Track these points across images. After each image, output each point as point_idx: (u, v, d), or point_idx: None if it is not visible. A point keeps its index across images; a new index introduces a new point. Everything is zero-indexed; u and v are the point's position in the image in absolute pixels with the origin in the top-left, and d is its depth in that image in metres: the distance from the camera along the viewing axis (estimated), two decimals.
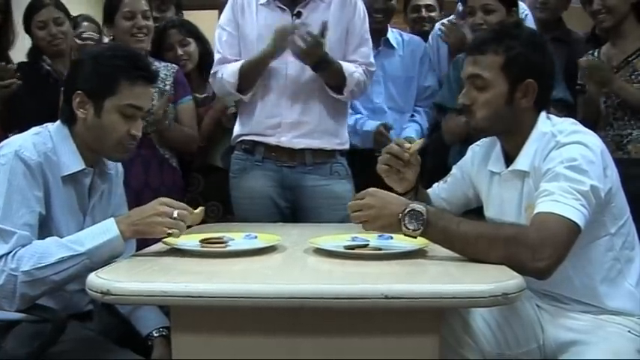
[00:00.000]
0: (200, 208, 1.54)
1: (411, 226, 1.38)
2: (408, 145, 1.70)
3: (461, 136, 2.37)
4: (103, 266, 1.43)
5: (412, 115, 2.73)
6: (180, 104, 2.52)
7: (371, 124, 2.59)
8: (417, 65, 2.73)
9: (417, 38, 2.86)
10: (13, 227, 1.44)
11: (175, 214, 1.47)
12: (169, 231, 1.46)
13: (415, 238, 1.41)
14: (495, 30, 1.67)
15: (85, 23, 3.08)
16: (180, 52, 2.70)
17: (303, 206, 2.31)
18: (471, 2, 2.37)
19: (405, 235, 1.40)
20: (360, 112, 2.67)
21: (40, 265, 1.41)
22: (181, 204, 1.51)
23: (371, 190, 1.46)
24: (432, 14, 3.12)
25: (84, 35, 3.00)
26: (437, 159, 2.47)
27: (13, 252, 1.42)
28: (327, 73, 2.23)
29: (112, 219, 1.49)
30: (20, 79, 2.38)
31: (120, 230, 1.46)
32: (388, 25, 2.78)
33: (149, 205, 1.50)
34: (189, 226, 1.52)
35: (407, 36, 2.83)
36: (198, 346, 1.22)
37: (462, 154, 1.91)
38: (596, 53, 2.47)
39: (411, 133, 2.61)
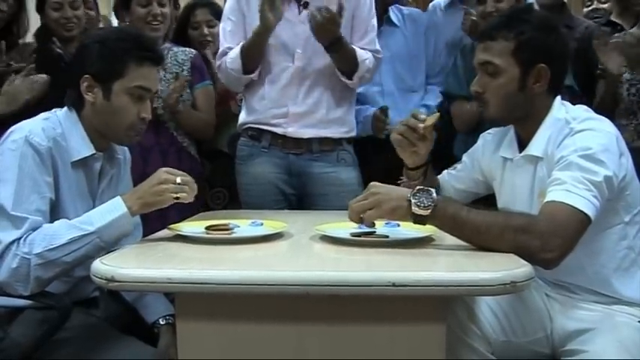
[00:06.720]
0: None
1: (420, 204, 1.35)
2: (423, 117, 1.68)
3: (470, 122, 2.35)
4: (114, 245, 1.46)
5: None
6: (197, 89, 2.51)
7: (370, 110, 2.50)
8: (422, 40, 2.60)
9: (415, 10, 2.74)
10: (26, 213, 1.45)
11: (179, 180, 1.48)
12: (176, 195, 1.47)
13: (424, 224, 1.38)
14: (506, 15, 1.65)
15: None
16: (206, 31, 2.69)
17: (310, 193, 2.30)
18: None
19: (415, 216, 1.36)
20: (366, 102, 2.58)
21: (51, 247, 1.42)
22: (183, 172, 1.51)
23: (373, 183, 1.44)
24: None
25: None
26: (442, 148, 2.44)
27: (25, 237, 1.43)
28: (341, 56, 2.19)
29: (118, 197, 1.50)
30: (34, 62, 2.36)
31: (127, 206, 1.47)
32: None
33: (152, 176, 1.50)
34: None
35: (406, 9, 2.70)
36: (203, 333, 1.21)
37: (466, 142, 1.89)
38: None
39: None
